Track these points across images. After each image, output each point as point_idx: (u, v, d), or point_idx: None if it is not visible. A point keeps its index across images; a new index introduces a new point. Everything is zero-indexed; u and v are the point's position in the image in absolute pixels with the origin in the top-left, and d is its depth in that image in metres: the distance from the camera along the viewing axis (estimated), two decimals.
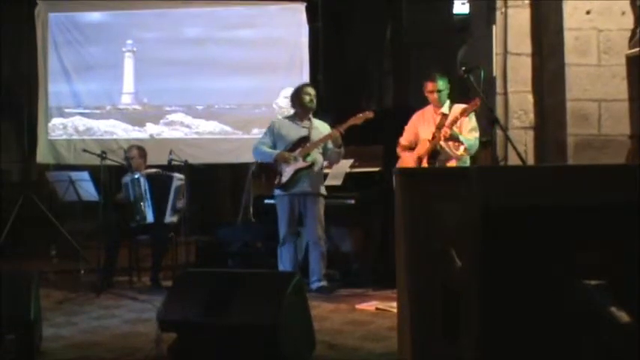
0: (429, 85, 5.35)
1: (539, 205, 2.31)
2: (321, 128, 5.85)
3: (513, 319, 2.27)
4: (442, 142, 5.14)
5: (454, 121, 5.09)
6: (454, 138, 5.11)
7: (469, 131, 5.22)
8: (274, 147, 5.82)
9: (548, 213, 2.29)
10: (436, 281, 2.55)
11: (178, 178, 6.40)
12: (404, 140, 5.51)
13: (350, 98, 9.12)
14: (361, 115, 5.60)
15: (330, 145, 5.77)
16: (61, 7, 8.65)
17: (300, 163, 5.70)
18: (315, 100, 5.84)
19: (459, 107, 5.15)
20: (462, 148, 5.16)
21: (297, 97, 5.86)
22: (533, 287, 2.26)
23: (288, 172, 5.69)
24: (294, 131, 5.80)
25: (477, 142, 5.27)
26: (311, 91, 5.89)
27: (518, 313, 2.26)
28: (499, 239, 2.26)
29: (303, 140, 5.74)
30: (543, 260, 2.26)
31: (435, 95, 5.33)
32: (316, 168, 5.78)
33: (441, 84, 5.34)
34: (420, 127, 5.43)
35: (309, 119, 5.86)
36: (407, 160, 5.36)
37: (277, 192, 5.79)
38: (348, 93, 9.20)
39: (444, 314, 2.47)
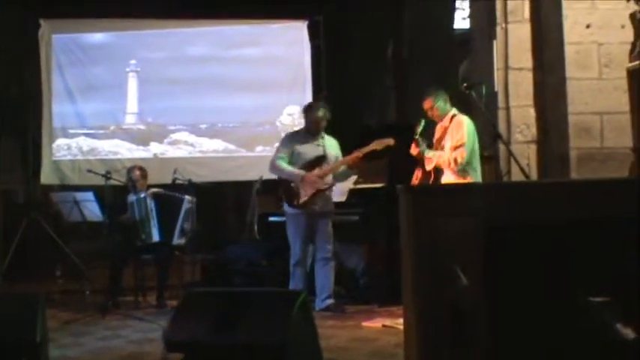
0: (424, 104, 5.31)
1: (543, 221, 2.32)
2: (332, 146, 5.82)
3: (521, 335, 2.27)
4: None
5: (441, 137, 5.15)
6: (423, 154, 5.19)
7: (452, 144, 5.13)
8: (289, 162, 5.70)
9: (552, 228, 2.30)
10: (443, 299, 2.55)
11: (189, 200, 6.37)
12: None
13: (352, 114, 9.14)
14: (384, 140, 5.53)
15: (343, 166, 5.75)
16: (65, 29, 8.71)
17: (321, 185, 5.66)
18: (327, 119, 5.76)
19: (456, 121, 5.16)
20: (431, 164, 5.15)
21: (310, 112, 5.78)
22: (539, 304, 2.26)
23: (307, 192, 5.60)
24: (311, 149, 5.73)
25: (449, 155, 5.10)
26: (325, 109, 5.79)
27: (525, 329, 2.26)
28: (504, 255, 2.27)
29: (320, 159, 5.70)
30: (548, 276, 2.27)
31: (430, 113, 5.31)
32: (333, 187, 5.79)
33: (432, 101, 5.26)
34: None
35: (322, 136, 5.81)
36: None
37: (292, 210, 5.66)
38: (351, 109, 9.22)
39: (452, 331, 2.47)
